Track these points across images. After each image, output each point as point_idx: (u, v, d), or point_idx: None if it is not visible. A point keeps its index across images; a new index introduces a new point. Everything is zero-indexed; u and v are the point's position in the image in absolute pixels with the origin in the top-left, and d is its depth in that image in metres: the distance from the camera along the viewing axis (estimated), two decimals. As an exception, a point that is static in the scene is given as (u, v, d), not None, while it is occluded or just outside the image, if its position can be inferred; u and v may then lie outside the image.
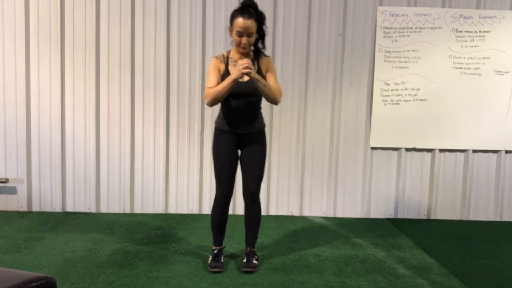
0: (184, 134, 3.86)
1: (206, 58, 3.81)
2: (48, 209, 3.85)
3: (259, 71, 2.55)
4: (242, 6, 2.47)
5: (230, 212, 3.91)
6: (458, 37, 3.85)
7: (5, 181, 3.78)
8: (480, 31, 3.85)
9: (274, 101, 2.54)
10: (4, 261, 2.66)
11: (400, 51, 3.84)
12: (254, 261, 2.65)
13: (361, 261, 2.85)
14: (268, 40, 3.78)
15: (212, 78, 2.53)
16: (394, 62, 3.85)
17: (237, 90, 2.50)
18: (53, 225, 3.45)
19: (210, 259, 2.67)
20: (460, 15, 3.84)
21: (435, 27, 3.83)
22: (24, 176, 3.82)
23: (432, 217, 4.01)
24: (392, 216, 4.00)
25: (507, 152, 3.99)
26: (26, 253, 2.81)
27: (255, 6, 2.48)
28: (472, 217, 4.03)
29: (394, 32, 3.83)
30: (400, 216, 4.00)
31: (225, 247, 2.79)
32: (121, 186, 3.86)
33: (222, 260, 2.68)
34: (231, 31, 2.52)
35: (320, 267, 2.72)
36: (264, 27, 2.54)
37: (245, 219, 2.71)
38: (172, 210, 3.91)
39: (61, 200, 3.84)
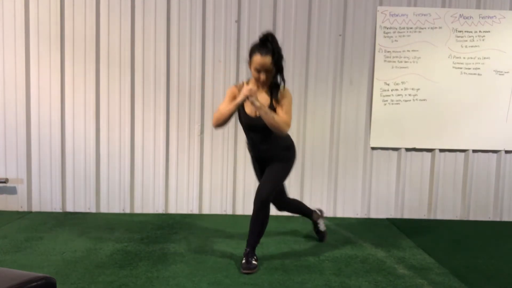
0: (184, 134, 3.86)
1: (206, 58, 3.81)
2: (48, 209, 3.85)
3: (272, 104, 2.63)
4: (260, 41, 2.56)
5: (230, 212, 3.93)
6: (458, 37, 3.85)
7: (5, 181, 3.78)
8: (480, 31, 3.85)
9: (278, 130, 2.56)
10: (4, 261, 2.66)
11: (400, 51, 3.84)
12: (254, 262, 2.65)
13: (361, 261, 2.85)
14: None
15: (223, 102, 2.68)
16: (394, 62, 3.85)
17: (250, 122, 2.67)
18: (53, 225, 3.45)
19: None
20: (460, 15, 3.84)
21: (435, 27, 3.83)
22: (24, 176, 3.82)
23: (432, 217, 4.01)
24: (392, 216, 4.00)
25: (507, 152, 3.99)
26: (26, 253, 2.81)
27: (272, 41, 2.53)
28: (472, 217, 4.03)
29: (394, 32, 3.83)
30: (400, 216, 4.00)
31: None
32: (121, 186, 3.86)
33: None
34: (250, 64, 2.61)
35: (320, 267, 2.72)
36: (282, 61, 2.59)
37: (251, 221, 2.71)
38: (172, 210, 3.91)
39: (61, 200, 3.85)
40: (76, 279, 2.43)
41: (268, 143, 2.70)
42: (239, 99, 2.51)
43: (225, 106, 2.61)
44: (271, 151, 2.73)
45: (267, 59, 2.50)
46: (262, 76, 2.56)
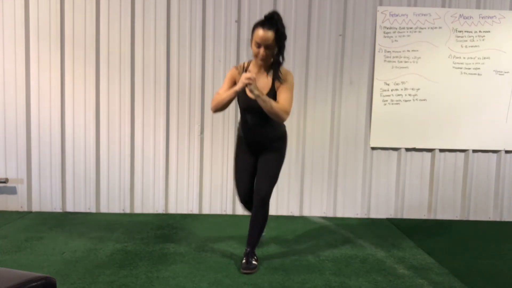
0: (184, 134, 3.86)
1: (206, 58, 3.81)
2: (48, 209, 3.85)
3: (273, 87, 2.54)
4: (265, 18, 2.47)
5: (230, 212, 3.93)
6: (458, 37, 3.85)
7: (5, 181, 3.78)
8: (480, 31, 3.85)
9: (276, 118, 2.49)
10: (4, 261, 2.66)
11: (400, 51, 3.84)
12: (254, 262, 2.65)
13: (361, 261, 2.85)
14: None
15: (223, 85, 2.60)
16: (394, 62, 3.85)
17: (248, 105, 2.56)
18: (53, 225, 3.45)
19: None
20: (460, 15, 3.84)
21: (435, 27, 3.83)
22: (24, 176, 3.81)
23: (432, 217, 4.01)
24: (392, 216, 4.00)
25: (507, 152, 3.99)
26: (26, 253, 2.81)
27: (278, 18, 2.46)
28: (472, 217, 4.03)
29: (394, 32, 3.83)
30: (400, 216, 4.00)
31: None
32: (121, 186, 3.86)
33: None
34: (251, 41, 2.51)
35: (320, 267, 2.72)
36: (285, 41, 2.51)
37: (251, 221, 2.71)
38: (172, 210, 3.91)
39: (61, 200, 3.84)
40: (76, 279, 2.43)
41: (263, 126, 2.60)
42: (238, 86, 2.42)
43: (224, 90, 2.54)
44: (263, 136, 2.63)
45: (269, 34, 2.41)
46: (262, 52, 2.45)
